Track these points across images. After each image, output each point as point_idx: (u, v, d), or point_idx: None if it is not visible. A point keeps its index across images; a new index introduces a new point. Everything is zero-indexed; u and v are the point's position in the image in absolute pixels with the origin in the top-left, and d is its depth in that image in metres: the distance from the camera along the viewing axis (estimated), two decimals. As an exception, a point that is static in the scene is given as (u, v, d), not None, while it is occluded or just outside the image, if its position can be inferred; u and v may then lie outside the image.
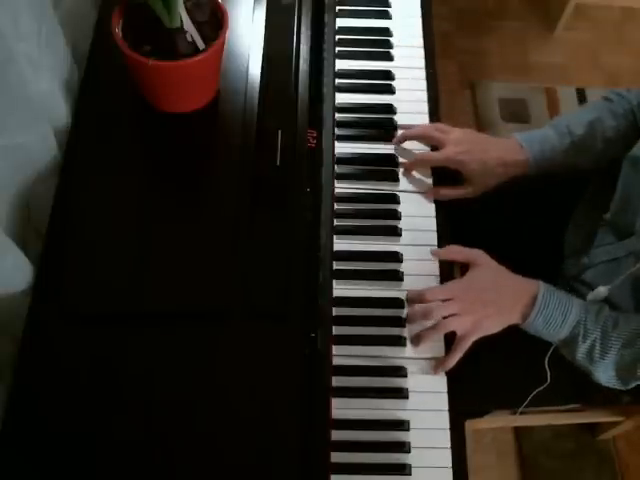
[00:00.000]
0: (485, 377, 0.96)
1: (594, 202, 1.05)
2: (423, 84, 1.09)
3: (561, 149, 0.99)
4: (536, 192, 1.09)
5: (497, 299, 0.88)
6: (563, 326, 0.87)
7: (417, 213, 0.98)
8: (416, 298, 0.88)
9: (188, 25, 0.77)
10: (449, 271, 0.95)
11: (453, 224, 0.99)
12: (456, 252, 0.92)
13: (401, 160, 1.01)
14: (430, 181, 1.00)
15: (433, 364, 0.87)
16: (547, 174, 1.01)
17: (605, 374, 0.89)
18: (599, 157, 1.01)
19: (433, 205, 0.99)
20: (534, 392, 0.95)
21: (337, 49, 1.10)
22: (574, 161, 1.01)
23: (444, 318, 0.86)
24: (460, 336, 0.86)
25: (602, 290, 0.91)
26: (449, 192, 0.99)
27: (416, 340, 0.87)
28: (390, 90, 1.07)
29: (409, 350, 0.88)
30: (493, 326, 0.88)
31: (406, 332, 0.89)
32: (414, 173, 1.01)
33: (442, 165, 1.00)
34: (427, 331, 0.87)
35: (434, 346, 0.88)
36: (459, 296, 0.87)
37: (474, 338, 0.87)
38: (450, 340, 0.88)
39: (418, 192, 0.99)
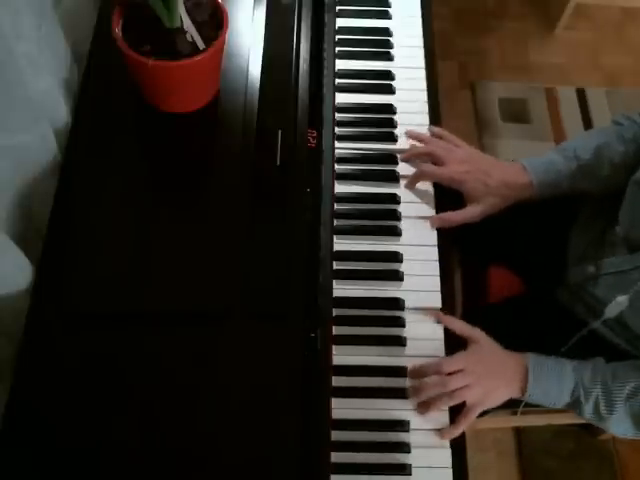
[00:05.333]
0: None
1: (598, 207, 1.05)
2: (423, 84, 1.09)
3: (567, 173, 0.99)
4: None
5: (501, 373, 0.90)
6: (562, 393, 0.89)
7: (417, 213, 0.98)
8: (430, 371, 0.86)
9: (188, 25, 0.77)
10: (449, 272, 0.95)
11: (455, 227, 0.98)
12: (458, 325, 0.91)
13: (402, 173, 1.00)
14: (431, 192, 0.99)
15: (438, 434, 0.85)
16: (552, 198, 1.01)
17: (620, 428, 0.90)
18: (605, 182, 1.00)
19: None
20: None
21: (337, 49, 1.10)
22: (580, 186, 1.00)
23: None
24: (470, 405, 0.86)
25: (622, 300, 0.90)
26: (453, 217, 0.97)
27: (424, 408, 0.85)
28: (390, 90, 1.07)
29: (409, 350, 0.88)
30: (499, 398, 0.89)
31: (406, 332, 0.89)
32: (417, 186, 0.99)
33: (443, 183, 0.99)
34: (438, 400, 0.85)
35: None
36: (470, 368, 0.87)
37: (482, 409, 0.87)
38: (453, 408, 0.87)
39: (421, 218, 0.97)
